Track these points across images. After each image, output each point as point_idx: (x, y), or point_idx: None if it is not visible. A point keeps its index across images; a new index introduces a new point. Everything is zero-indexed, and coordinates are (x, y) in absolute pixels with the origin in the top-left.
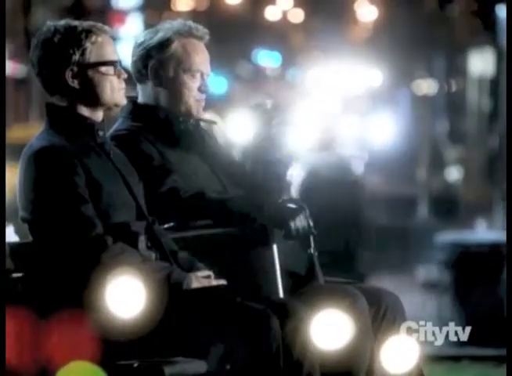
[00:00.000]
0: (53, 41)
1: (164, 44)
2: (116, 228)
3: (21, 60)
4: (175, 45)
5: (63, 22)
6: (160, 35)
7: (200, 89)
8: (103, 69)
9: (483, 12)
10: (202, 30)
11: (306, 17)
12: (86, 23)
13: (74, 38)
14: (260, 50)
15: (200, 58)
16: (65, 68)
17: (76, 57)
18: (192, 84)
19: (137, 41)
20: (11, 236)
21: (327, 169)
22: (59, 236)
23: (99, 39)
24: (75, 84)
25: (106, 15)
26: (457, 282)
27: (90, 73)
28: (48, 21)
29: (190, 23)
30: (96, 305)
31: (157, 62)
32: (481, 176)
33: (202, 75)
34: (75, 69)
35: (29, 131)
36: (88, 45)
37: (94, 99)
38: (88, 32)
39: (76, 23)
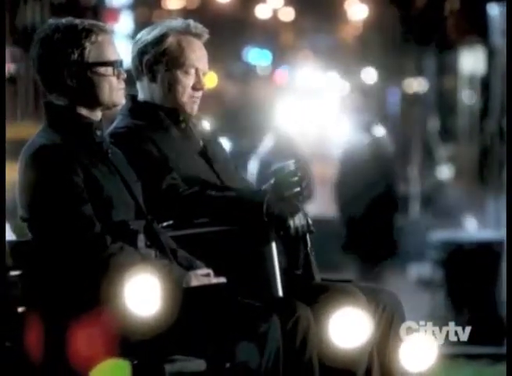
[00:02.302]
0: (53, 39)
1: (158, 39)
2: (115, 227)
3: (11, 59)
4: (170, 41)
5: (64, 20)
6: (156, 31)
7: (194, 87)
8: (102, 69)
9: (474, 10)
10: (201, 28)
11: (297, 16)
12: (87, 22)
13: (74, 37)
14: (250, 48)
15: (196, 55)
16: (64, 67)
17: (75, 56)
18: (185, 81)
19: (136, 38)
20: (8, 234)
21: (363, 149)
22: (58, 235)
23: (99, 39)
24: (74, 83)
25: (99, 12)
26: (450, 280)
27: (89, 73)
28: (50, 19)
29: (190, 21)
30: (97, 304)
31: (152, 57)
32: (472, 174)
33: (197, 72)
34: (74, 68)
35: (18, 130)
36: (87, 44)
37: (92, 98)
38: (88, 31)
39: (77, 21)
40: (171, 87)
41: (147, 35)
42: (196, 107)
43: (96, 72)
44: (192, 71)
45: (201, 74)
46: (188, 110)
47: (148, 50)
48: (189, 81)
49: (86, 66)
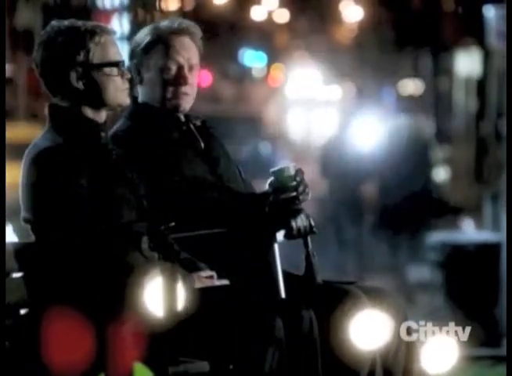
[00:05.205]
0: (56, 41)
1: (141, 41)
2: (119, 229)
3: (6, 60)
4: (152, 42)
5: (66, 22)
6: (140, 34)
7: (177, 82)
8: (107, 70)
9: (469, 12)
10: (186, 24)
11: (291, 17)
12: (90, 24)
13: (77, 39)
14: (246, 50)
15: (178, 51)
16: (68, 69)
17: (79, 58)
18: (168, 78)
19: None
20: (9, 235)
21: (402, 132)
22: (62, 237)
23: (103, 40)
24: (79, 85)
25: (92, 14)
26: (448, 281)
27: (93, 74)
28: (53, 21)
29: (174, 19)
30: (101, 306)
31: (138, 60)
32: (468, 176)
33: (179, 68)
34: (79, 70)
35: (15, 132)
36: (91, 45)
37: (97, 99)
38: (92, 33)
39: (80, 23)
40: (155, 87)
41: (134, 39)
42: (184, 103)
43: (101, 73)
44: (174, 68)
45: (185, 69)
46: (180, 108)
47: (134, 54)
48: (170, 77)
49: (91, 67)
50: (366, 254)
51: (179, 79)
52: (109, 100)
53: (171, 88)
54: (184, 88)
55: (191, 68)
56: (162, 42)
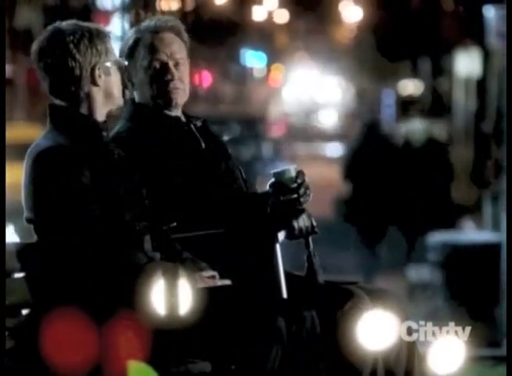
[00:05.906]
0: (59, 43)
1: (125, 45)
2: (120, 228)
3: (6, 60)
4: (134, 44)
5: (66, 24)
6: (126, 38)
7: (166, 79)
8: (110, 70)
9: (470, 12)
10: (160, 21)
11: (291, 18)
12: (91, 25)
13: (79, 40)
14: (246, 50)
15: (160, 49)
16: (71, 71)
17: (82, 59)
18: (155, 77)
19: None
20: (10, 235)
21: (417, 135)
22: (65, 236)
23: (105, 40)
24: (81, 86)
25: (92, 14)
26: (449, 282)
27: (97, 74)
28: (55, 23)
29: (152, 18)
30: (104, 306)
31: (128, 64)
32: (468, 176)
33: (164, 65)
34: (82, 71)
35: (15, 132)
36: (94, 46)
37: (101, 99)
38: (95, 34)
39: (81, 24)
40: (145, 87)
41: (122, 43)
42: (176, 98)
43: (104, 73)
44: (158, 65)
45: (170, 65)
46: (164, 103)
47: (123, 58)
48: (157, 75)
49: (94, 68)
50: (380, 255)
51: (166, 75)
52: (111, 99)
53: (160, 86)
54: (173, 84)
55: (177, 63)
56: (142, 43)
